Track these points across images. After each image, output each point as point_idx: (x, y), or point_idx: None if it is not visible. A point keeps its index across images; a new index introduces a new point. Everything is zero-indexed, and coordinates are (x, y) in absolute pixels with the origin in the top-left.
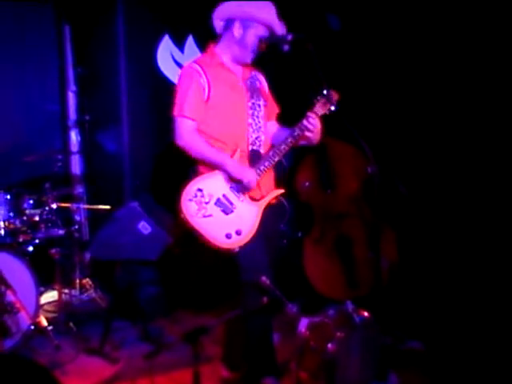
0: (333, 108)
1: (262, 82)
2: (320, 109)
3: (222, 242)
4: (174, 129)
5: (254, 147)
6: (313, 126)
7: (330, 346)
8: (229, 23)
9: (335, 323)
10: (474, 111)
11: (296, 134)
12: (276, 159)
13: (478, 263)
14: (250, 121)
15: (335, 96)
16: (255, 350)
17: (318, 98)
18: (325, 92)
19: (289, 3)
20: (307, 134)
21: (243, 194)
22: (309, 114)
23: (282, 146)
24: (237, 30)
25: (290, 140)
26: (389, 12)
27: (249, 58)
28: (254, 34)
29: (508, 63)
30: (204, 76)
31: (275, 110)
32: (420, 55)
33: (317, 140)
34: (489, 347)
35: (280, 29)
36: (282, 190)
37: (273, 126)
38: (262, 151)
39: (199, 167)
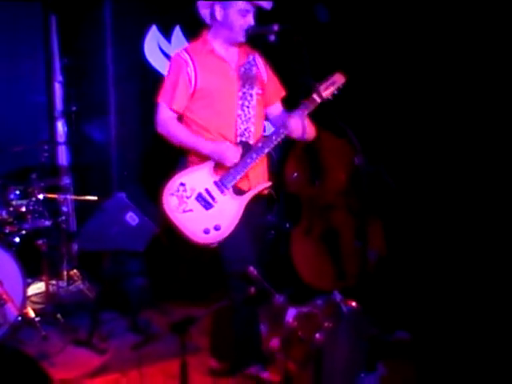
0: (335, 92)
1: (260, 67)
2: (318, 96)
3: (200, 238)
4: (155, 114)
5: (243, 138)
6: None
7: (317, 336)
8: (212, 9)
9: (323, 313)
10: (460, 102)
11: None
12: (266, 150)
13: (465, 254)
14: (240, 112)
15: (341, 79)
16: (242, 340)
17: (318, 84)
18: (327, 77)
19: None
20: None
21: (227, 188)
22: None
23: (274, 137)
24: (218, 13)
25: (282, 130)
26: (378, 3)
27: (240, 36)
28: (236, 12)
29: (505, 57)
30: (191, 65)
31: (279, 92)
32: (408, 47)
33: (307, 136)
34: (476, 337)
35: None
36: (269, 183)
37: (277, 109)
38: (252, 142)
39: (189, 157)
